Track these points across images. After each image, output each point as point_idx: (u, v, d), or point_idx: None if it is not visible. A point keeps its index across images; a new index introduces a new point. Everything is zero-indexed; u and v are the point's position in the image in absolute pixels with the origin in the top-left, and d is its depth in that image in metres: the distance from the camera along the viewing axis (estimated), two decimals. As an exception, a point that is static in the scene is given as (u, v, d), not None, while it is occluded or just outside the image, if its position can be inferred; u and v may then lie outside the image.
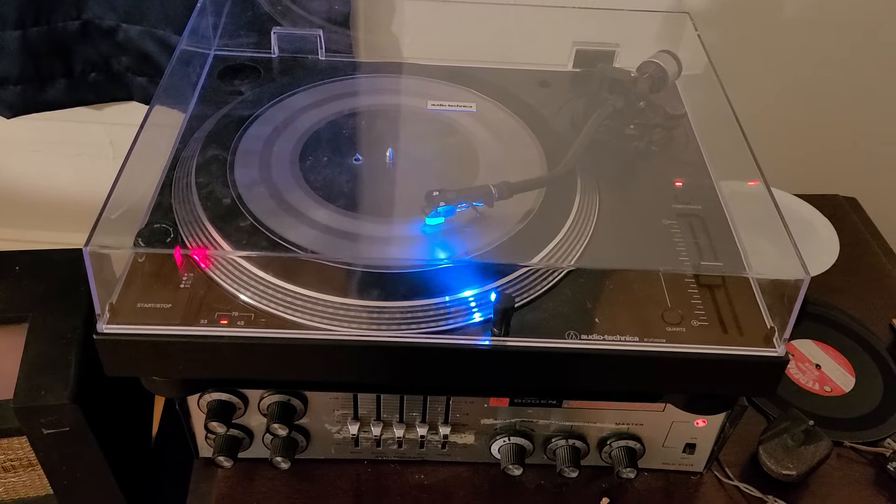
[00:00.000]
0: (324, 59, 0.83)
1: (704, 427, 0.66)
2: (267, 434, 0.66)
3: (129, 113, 1.08)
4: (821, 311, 0.85)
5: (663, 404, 0.64)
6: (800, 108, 1.07)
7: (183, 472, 0.72)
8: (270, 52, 0.82)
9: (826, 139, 1.10)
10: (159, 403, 0.92)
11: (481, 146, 0.72)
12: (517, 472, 0.66)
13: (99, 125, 1.12)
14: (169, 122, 0.71)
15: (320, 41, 0.82)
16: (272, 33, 0.82)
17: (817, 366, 0.80)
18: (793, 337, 0.80)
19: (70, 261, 0.77)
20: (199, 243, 0.60)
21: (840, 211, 1.00)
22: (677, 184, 0.70)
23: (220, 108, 0.73)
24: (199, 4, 0.80)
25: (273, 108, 0.74)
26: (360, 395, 0.64)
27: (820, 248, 0.88)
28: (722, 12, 0.97)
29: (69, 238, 1.24)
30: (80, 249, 0.76)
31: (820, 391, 0.78)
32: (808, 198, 0.95)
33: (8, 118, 1.02)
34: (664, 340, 0.57)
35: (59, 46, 0.97)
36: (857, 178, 1.09)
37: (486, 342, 0.56)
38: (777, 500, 0.68)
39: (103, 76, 1.02)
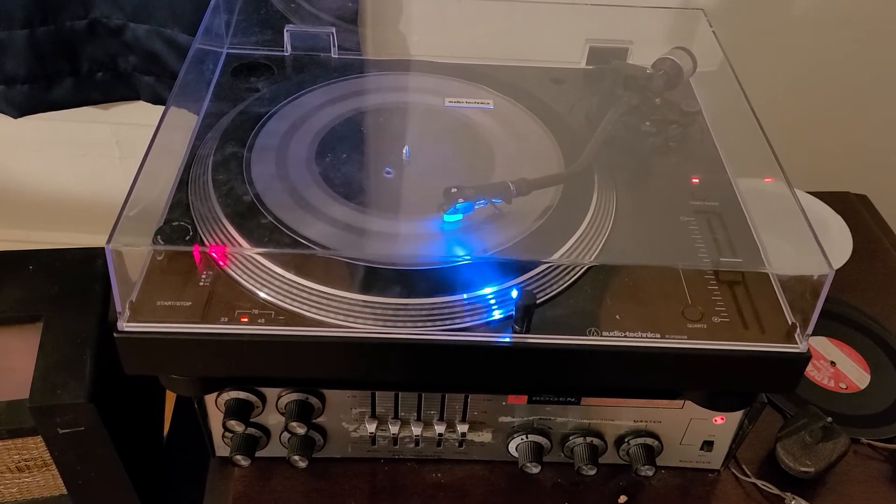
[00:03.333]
0: (336, 56, 0.82)
1: (722, 424, 0.66)
2: (284, 433, 0.66)
3: (136, 112, 1.08)
4: (835, 307, 0.85)
5: (682, 401, 0.64)
6: (810, 105, 1.07)
7: (196, 470, 0.71)
8: (283, 51, 0.82)
9: (837, 136, 1.10)
10: (170, 400, 0.91)
11: (498, 143, 0.72)
12: (535, 470, 0.66)
13: (105, 125, 1.11)
14: (183, 120, 0.71)
15: (333, 39, 0.82)
16: (285, 31, 0.81)
17: (832, 363, 0.80)
18: (807, 334, 0.80)
19: (83, 259, 0.77)
20: (218, 241, 0.59)
21: (851, 208, 1.00)
22: (694, 180, 0.70)
23: (234, 105, 0.73)
24: (212, 3, 0.79)
25: (289, 105, 0.73)
26: (377, 393, 0.64)
27: (833, 244, 0.88)
28: (730, 8, 0.97)
29: (75, 238, 1.23)
30: (92, 248, 0.76)
31: (835, 388, 0.78)
32: (818, 195, 0.95)
33: (15, 118, 1.01)
34: (685, 337, 0.57)
35: (66, 46, 0.97)
36: (868, 175, 1.09)
37: (507, 339, 0.56)
38: (795, 496, 0.68)
39: (110, 75, 1.01)
